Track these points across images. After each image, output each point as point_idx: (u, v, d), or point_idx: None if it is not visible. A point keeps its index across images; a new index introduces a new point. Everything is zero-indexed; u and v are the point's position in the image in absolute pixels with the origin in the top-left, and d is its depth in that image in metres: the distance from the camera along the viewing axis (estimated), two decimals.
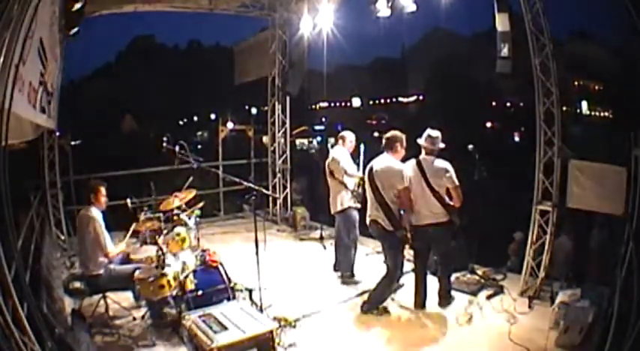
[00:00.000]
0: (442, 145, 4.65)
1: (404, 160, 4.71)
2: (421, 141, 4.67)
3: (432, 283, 4.85)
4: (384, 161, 4.63)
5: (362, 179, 5.24)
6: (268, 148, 9.04)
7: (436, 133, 4.64)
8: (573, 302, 4.15)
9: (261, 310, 4.17)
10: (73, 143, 7.48)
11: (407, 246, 4.75)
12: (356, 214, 5.55)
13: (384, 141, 4.73)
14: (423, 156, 4.66)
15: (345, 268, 5.65)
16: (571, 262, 5.87)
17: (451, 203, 4.53)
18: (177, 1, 7.68)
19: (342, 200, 5.51)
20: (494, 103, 32.80)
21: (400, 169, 4.54)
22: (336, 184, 5.51)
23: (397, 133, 4.74)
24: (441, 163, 4.55)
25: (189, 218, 5.24)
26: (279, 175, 8.81)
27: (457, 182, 4.51)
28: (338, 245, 5.82)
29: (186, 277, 4.28)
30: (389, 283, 4.75)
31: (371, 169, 4.66)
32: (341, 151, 5.62)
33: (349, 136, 5.72)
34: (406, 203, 4.52)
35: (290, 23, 8.22)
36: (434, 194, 4.51)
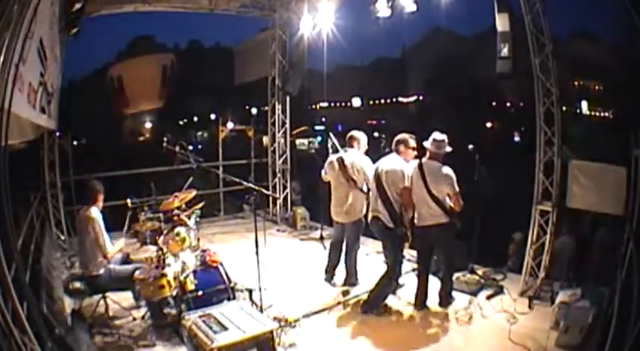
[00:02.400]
0: (449, 149, 4.60)
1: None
2: (427, 144, 4.67)
3: (433, 283, 4.86)
4: (389, 161, 4.74)
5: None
6: (268, 148, 9.04)
7: (442, 137, 4.61)
8: (573, 302, 4.15)
9: (261, 311, 4.18)
10: (73, 143, 7.48)
11: (407, 245, 4.78)
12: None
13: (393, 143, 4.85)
14: (425, 159, 4.65)
15: (351, 275, 5.44)
16: (574, 261, 5.86)
17: (452, 205, 4.53)
18: (177, 1, 7.68)
19: (361, 209, 5.19)
20: (494, 103, 32.76)
21: (401, 170, 4.61)
22: (357, 193, 5.19)
23: (403, 135, 4.82)
24: (443, 170, 4.51)
25: (190, 218, 5.24)
26: (279, 175, 8.82)
27: (457, 189, 4.49)
28: (348, 253, 5.44)
29: (186, 277, 4.27)
30: (388, 282, 4.77)
31: (377, 168, 4.77)
32: (362, 158, 5.19)
33: (363, 139, 5.31)
34: (407, 202, 4.61)
35: (290, 23, 8.22)
36: (432, 198, 4.52)
